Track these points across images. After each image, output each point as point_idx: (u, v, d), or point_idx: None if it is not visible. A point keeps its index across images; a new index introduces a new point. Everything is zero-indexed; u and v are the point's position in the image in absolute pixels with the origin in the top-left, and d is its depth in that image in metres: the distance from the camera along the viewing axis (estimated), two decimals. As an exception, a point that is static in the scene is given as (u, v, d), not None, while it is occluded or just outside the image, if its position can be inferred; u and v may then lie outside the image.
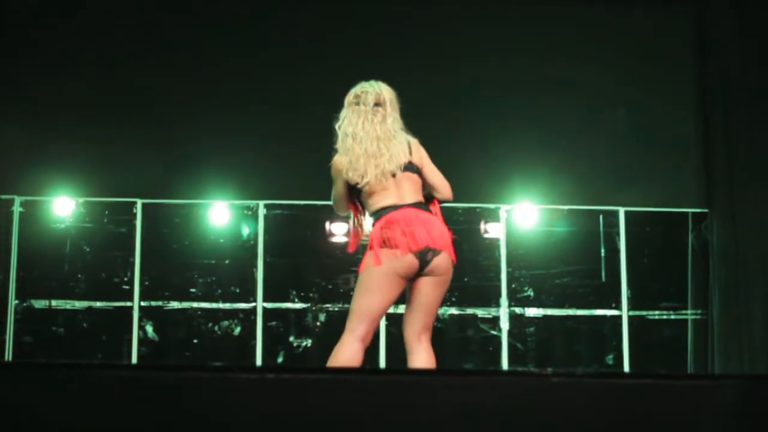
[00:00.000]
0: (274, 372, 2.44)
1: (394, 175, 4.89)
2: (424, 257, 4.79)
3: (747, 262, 8.59)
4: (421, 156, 4.97)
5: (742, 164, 8.72)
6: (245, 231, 8.76)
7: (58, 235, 8.61)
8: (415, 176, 4.92)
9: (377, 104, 5.02)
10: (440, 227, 4.88)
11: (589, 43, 8.99)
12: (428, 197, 5.04)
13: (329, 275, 8.73)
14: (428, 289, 4.85)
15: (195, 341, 8.65)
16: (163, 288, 8.65)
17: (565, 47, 8.94)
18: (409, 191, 4.92)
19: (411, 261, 4.79)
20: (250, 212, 8.73)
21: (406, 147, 4.95)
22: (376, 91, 5.05)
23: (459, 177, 8.44)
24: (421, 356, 4.87)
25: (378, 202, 4.91)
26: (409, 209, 4.86)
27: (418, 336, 4.89)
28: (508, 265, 8.77)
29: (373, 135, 4.97)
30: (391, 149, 4.94)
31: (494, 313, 8.74)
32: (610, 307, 8.80)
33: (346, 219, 5.09)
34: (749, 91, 8.78)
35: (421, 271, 4.81)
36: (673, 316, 8.88)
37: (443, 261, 4.83)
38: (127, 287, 8.55)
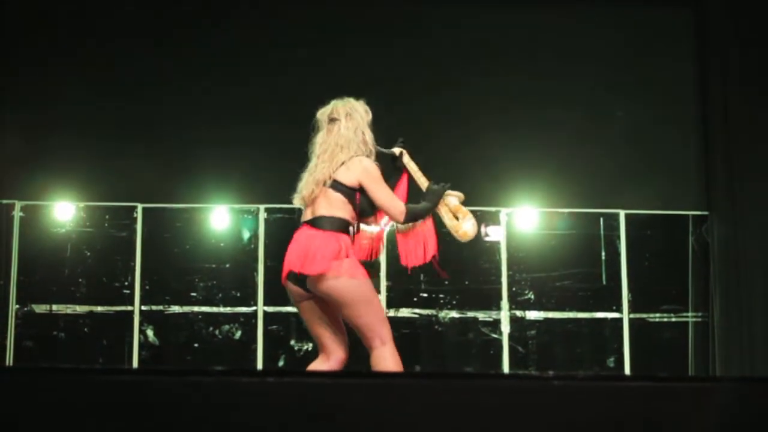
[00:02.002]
0: (275, 376, 2.44)
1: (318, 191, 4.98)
2: (300, 286, 4.99)
3: (748, 265, 8.59)
4: (357, 176, 4.95)
5: (743, 166, 8.72)
6: (246, 235, 8.76)
7: (59, 240, 8.60)
8: (335, 194, 4.95)
9: (332, 119, 5.07)
10: (307, 245, 4.89)
11: (588, 45, 8.99)
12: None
13: (330, 279, 8.71)
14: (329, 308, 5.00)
15: (196, 345, 8.65)
16: (163, 292, 8.64)
17: (565, 50, 8.94)
18: (318, 208, 4.99)
19: (296, 291, 5.04)
20: (250, 216, 8.73)
21: (336, 166, 4.96)
22: (330, 108, 5.13)
23: (459, 180, 8.44)
24: (377, 364, 4.94)
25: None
26: (300, 230, 5.02)
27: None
28: (509, 268, 8.77)
29: (316, 151, 5.07)
30: (319, 166, 4.99)
31: (495, 316, 8.73)
32: (611, 310, 8.79)
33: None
34: (749, 93, 8.78)
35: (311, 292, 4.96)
36: (673, 319, 8.87)
37: (311, 282, 4.92)
38: (127, 291, 8.55)
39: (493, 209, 8.79)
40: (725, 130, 8.77)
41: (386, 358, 4.85)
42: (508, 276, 8.76)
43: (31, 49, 8.67)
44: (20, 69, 8.65)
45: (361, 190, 4.96)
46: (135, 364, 8.45)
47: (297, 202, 5.12)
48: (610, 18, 9.11)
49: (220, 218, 8.76)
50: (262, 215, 8.68)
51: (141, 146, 8.57)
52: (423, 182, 5.20)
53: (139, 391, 2.39)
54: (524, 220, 8.88)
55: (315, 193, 4.99)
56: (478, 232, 5.26)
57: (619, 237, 8.84)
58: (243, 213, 8.75)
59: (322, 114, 5.13)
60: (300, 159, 8.31)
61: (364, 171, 4.94)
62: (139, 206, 8.61)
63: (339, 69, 8.73)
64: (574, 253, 8.90)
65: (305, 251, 4.90)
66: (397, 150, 5.24)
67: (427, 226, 5.12)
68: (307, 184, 5.06)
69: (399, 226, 5.09)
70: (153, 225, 8.64)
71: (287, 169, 8.50)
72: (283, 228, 8.69)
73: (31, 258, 8.53)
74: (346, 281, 4.81)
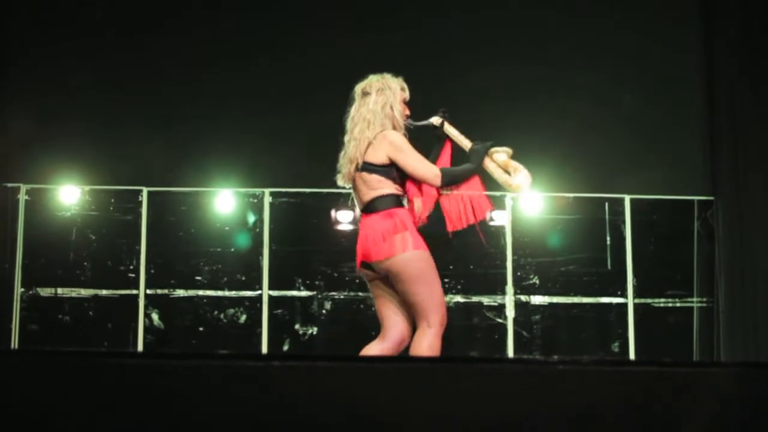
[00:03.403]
0: (280, 360, 2.44)
1: (353, 178, 5.02)
2: (370, 269, 4.98)
3: (753, 250, 8.58)
4: (385, 152, 4.96)
5: (748, 151, 8.70)
6: (251, 219, 8.76)
7: (64, 224, 8.61)
8: (370, 176, 4.97)
9: (365, 93, 5.09)
10: (368, 232, 4.92)
11: (593, 29, 8.97)
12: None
13: (335, 263, 8.73)
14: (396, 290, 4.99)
15: (201, 329, 8.66)
16: (168, 276, 8.65)
17: (571, 37, 8.92)
18: (362, 195, 5.02)
19: (367, 274, 5.03)
20: (255, 200, 8.73)
21: (364, 145, 4.98)
22: (366, 82, 5.15)
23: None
24: (413, 344, 4.94)
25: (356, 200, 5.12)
26: (362, 220, 5.04)
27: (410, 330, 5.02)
28: (514, 252, 8.77)
29: (348, 126, 5.11)
30: (351, 143, 5.02)
31: (500, 301, 8.74)
32: (616, 295, 8.79)
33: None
34: (755, 78, 8.75)
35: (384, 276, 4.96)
36: (678, 304, 8.87)
37: (384, 268, 4.90)
38: (132, 275, 8.56)
39: (498, 194, 8.78)
40: (731, 115, 8.74)
41: (422, 342, 4.85)
42: (513, 261, 8.75)
43: (37, 34, 8.66)
44: (25, 53, 8.64)
45: (394, 164, 4.96)
46: (140, 347, 8.46)
47: (340, 182, 5.13)
48: (616, 4, 9.08)
49: (225, 202, 8.76)
50: (267, 199, 8.68)
51: (146, 130, 8.56)
52: (466, 145, 5.19)
53: (143, 375, 2.39)
54: (529, 204, 8.87)
55: (351, 173, 5.00)
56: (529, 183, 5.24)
57: (624, 222, 8.83)
58: (248, 197, 8.75)
59: (358, 87, 5.15)
60: (305, 145, 8.32)
61: (389, 144, 4.96)
62: (145, 190, 8.61)
63: (342, 55, 8.71)
64: (579, 238, 8.90)
65: (368, 239, 4.92)
66: (436, 120, 5.22)
67: (473, 187, 5.11)
68: (344, 164, 5.08)
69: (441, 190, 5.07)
70: (158, 209, 8.64)
71: (292, 153, 8.57)
72: (288, 212, 8.70)
73: (36, 241, 8.53)
74: (404, 255, 4.83)
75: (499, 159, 5.17)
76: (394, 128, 5.05)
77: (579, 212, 8.91)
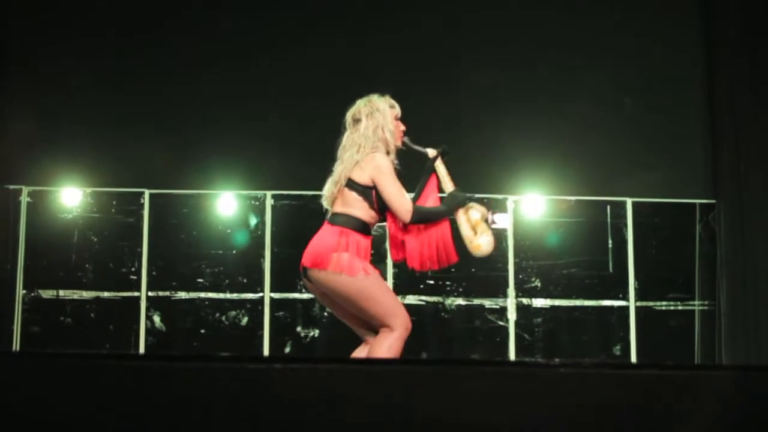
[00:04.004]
0: (282, 362, 2.44)
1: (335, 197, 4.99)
2: (305, 275, 4.95)
3: (755, 253, 8.58)
4: (369, 173, 4.92)
5: (750, 154, 8.70)
6: (252, 221, 8.76)
7: (66, 226, 8.61)
8: (350, 193, 4.94)
9: (356, 120, 5.08)
10: (316, 240, 4.90)
11: (594, 32, 8.97)
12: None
13: (336, 266, 8.71)
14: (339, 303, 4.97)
15: (202, 331, 8.66)
16: (170, 278, 8.65)
17: (571, 36, 8.92)
18: (335, 206, 4.99)
19: (309, 286, 5.00)
20: (257, 202, 8.73)
21: (351, 166, 4.95)
22: (354, 108, 5.12)
23: (467, 168, 8.45)
24: (373, 345, 4.90)
25: None
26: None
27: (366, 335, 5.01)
28: (516, 255, 8.76)
29: (339, 153, 5.09)
30: (338, 167, 5.00)
31: (501, 304, 8.74)
32: (618, 298, 8.79)
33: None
34: (756, 78, 8.75)
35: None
36: (680, 307, 8.87)
37: (314, 276, 4.87)
38: (134, 277, 8.56)
39: (500, 197, 8.78)
40: (733, 118, 8.74)
41: (382, 344, 4.79)
42: (515, 263, 8.75)
43: (38, 35, 8.67)
44: (27, 54, 8.65)
45: (375, 188, 4.93)
46: (141, 349, 8.46)
47: (325, 204, 5.08)
48: (617, 5, 9.08)
49: (227, 204, 8.76)
50: (269, 202, 8.68)
51: (148, 132, 8.57)
52: (448, 187, 5.09)
53: (145, 377, 2.39)
54: (531, 207, 8.87)
55: (334, 193, 4.99)
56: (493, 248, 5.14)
57: (626, 225, 8.83)
58: (250, 199, 8.75)
59: (348, 115, 5.12)
60: (307, 148, 8.32)
61: (375, 167, 4.91)
62: (146, 192, 8.62)
63: (345, 57, 8.72)
64: (580, 240, 8.90)
65: (309, 243, 4.91)
66: (431, 152, 5.15)
67: (441, 231, 5.02)
68: (329, 187, 5.04)
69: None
70: (160, 211, 8.65)
71: (294, 156, 8.58)
72: (290, 214, 8.70)
73: (38, 243, 8.54)
74: (339, 276, 4.78)
75: (472, 216, 5.04)
76: (387, 153, 5.01)
77: (581, 215, 8.91)
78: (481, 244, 5.00)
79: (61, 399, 2.36)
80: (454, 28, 8.90)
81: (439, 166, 5.14)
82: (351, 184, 4.94)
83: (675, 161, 8.92)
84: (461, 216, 5.02)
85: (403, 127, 5.14)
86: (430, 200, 5.09)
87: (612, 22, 9.01)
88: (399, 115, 5.13)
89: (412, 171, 5.19)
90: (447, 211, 5.02)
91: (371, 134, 4.99)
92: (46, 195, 8.61)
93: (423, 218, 4.95)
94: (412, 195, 5.08)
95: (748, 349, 8.42)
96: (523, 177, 8.81)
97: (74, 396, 2.36)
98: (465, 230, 5.00)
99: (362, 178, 4.93)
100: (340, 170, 5.00)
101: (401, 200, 4.90)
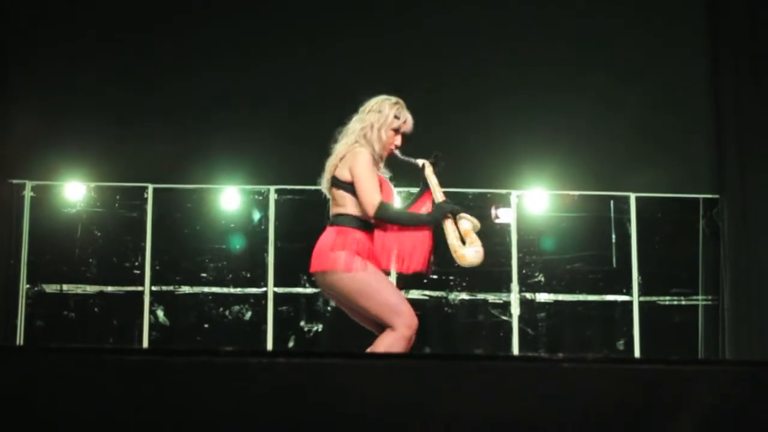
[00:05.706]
0: (285, 356, 2.44)
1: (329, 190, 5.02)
2: (317, 282, 5.00)
3: (758, 248, 8.57)
4: (349, 169, 4.90)
5: (754, 150, 8.69)
6: (256, 216, 8.76)
7: (70, 220, 8.62)
8: (338, 192, 4.93)
9: (360, 112, 5.12)
10: (317, 244, 4.90)
11: (600, 29, 8.96)
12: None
13: (340, 260, 8.71)
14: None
15: (206, 326, 8.67)
16: (174, 273, 8.66)
17: (576, 31, 8.91)
18: (331, 208, 5.00)
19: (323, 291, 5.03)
20: (261, 197, 8.73)
21: (337, 160, 4.95)
22: (367, 102, 5.11)
23: (470, 162, 8.46)
24: (376, 341, 4.90)
25: None
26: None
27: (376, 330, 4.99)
28: (519, 250, 8.77)
29: (338, 137, 5.11)
30: (329, 160, 5.02)
31: (505, 299, 8.74)
32: (621, 293, 8.79)
33: None
34: (761, 76, 8.74)
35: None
36: (683, 302, 8.87)
37: (320, 281, 4.91)
38: (138, 272, 8.57)
39: (503, 191, 8.78)
40: (736, 113, 8.73)
41: (383, 341, 4.77)
42: (519, 258, 8.75)
43: (43, 31, 8.66)
44: (30, 50, 8.64)
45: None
46: (145, 344, 8.47)
47: (323, 189, 5.09)
48: (624, 4, 9.07)
49: (231, 199, 8.76)
50: (273, 196, 8.69)
51: (152, 127, 8.57)
52: (438, 198, 5.01)
53: (148, 372, 2.39)
54: (535, 202, 8.87)
55: (327, 186, 5.00)
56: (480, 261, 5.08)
57: (629, 220, 8.83)
58: (253, 194, 8.76)
59: (365, 103, 5.12)
60: (311, 143, 8.30)
61: (354, 160, 4.88)
62: (150, 187, 8.62)
63: (349, 53, 8.71)
64: (584, 235, 8.90)
65: (313, 250, 4.91)
66: (420, 162, 5.08)
67: (420, 237, 4.94)
68: (324, 173, 5.05)
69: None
70: (163, 205, 8.65)
71: (298, 150, 8.57)
72: (293, 209, 8.70)
73: (41, 238, 8.55)
74: (339, 275, 4.77)
75: (462, 225, 4.97)
76: (372, 151, 4.96)
77: (584, 210, 8.91)
78: (465, 254, 4.94)
79: (64, 393, 2.36)
80: (459, 27, 8.88)
81: (430, 176, 5.05)
82: (336, 183, 4.93)
83: (678, 156, 8.91)
84: (449, 226, 4.95)
85: (398, 141, 5.06)
86: (423, 210, 5.03)
87: (619, 21, 9.00)
88: (403, 128, 5.06)
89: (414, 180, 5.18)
90: (427, 220, 4.94)
91: (359, 129, 4.98)
92: (49, 190, 8.61)
93: (390, 218, 4.86)
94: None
95: (751, 343, 8.42)
96: (526, 172, 8.81)
97: (78, 390, 2.37)
98: (451, 240, 4.94)
99: (344, 174, 4.91)
100: (330, 160, 5.01)
101: (370, 193, 4.83)
